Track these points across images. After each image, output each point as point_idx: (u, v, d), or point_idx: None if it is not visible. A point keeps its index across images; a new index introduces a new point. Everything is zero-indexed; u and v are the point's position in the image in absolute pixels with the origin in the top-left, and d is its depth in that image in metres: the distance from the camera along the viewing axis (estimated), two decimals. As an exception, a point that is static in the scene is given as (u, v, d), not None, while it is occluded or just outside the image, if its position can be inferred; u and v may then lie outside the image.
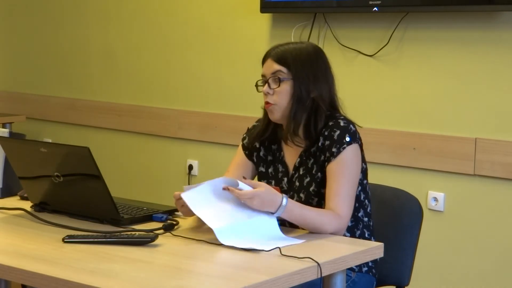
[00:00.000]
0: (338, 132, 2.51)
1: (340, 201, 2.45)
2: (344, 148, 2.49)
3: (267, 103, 2.56)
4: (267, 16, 4.13)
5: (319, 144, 2.53)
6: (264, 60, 2.60)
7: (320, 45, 3.89)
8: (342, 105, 2.64)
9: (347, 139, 2.50)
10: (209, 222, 2.30)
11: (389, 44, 3.73)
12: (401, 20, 3.68)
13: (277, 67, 2.54)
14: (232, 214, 2.34)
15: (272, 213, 2.36)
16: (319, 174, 2.54)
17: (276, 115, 2.57)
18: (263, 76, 2.60)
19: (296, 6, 3.97)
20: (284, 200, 2.36)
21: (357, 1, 3.75)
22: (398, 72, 3.74)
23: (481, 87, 3.51)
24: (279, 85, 2.54)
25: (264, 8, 4.03)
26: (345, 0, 3.84)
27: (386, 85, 3.78)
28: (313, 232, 2.40)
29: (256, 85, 2.62)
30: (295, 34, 3.99)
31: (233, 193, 2.33)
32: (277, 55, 2.56)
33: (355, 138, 2.52)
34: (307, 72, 2.55)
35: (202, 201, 2.37)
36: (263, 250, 2.18)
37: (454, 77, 3.57)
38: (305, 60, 2.56)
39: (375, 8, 3.67)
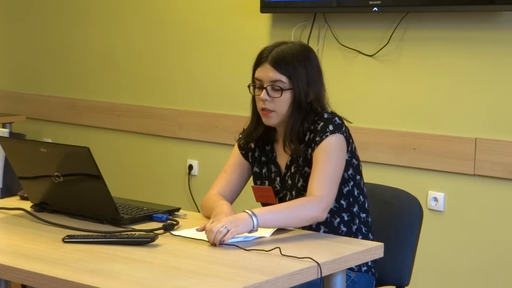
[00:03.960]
0: (321, 123, 2.52)
1: (318, 183, 2.44)
2: (326, 135, 2.50)
3: (264, 109, 2.56)
4: (267, 16, 4.13)
5: (306, 139, 2.55)
6: (259, 64, 2.58)
7: (320, 45, 3.90)
8: (328, 100, 2.63)
9: (330, 128, 2.50)
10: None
11: (389, 44, 3.73)
12: (401, 20, 3.68)
13: (277, 76, 2.53)
14: None
15: (252, 230, 2.32)
16: (306, 168, 2.55)
17: (274, 121, 2.58)
18: (258, 80, 2.58)
19: (296, 6, 3.97)
20: (249, 211, 2.33)
21: (357, 1, 3.75)
22: (398, 72, 3.74)
23: (481, 87, 3.50)
24: (281, 95, 2.53)
25: (264, 8, 4.03)
26: (345, 0, 3.84)
27: (386, 85, 3.77)
28: (301, 227, 2.40)
29: (249, 87, 2.62)
30: (295, 34, 3.99)
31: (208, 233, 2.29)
32: (275, 61, 2.54)
33: (339, 129, 2.52)
34: (305, 77, 2.55)
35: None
36: (263, 250, 2.19)
37: (454, 77, 3.57)
38: (302, 65, 2.55)
39: (375, 8, 3.66)
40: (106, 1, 4.86)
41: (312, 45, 3.92)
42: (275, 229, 2.38)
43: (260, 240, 2.31)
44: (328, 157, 2.48)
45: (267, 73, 2.55)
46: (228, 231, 2.25)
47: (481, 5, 3.43)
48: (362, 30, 3.84)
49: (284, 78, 2.53)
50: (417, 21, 3.65)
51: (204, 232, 2.34)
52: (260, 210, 2.36)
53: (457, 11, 3.53)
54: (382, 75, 3.78)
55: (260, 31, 4.18)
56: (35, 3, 5.25)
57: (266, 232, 2.35)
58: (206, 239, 2.29)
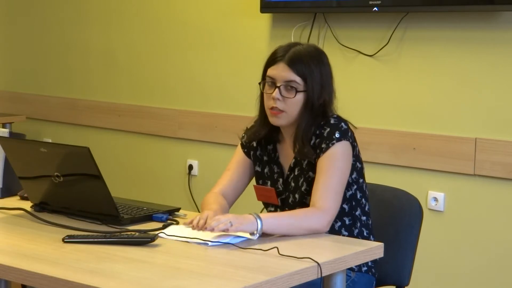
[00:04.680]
0: (328, 129, 2.50)
1: (324, 194, 2.43)
2: (333, 143, 2.48)
3: (274, 108, 2.52)
4: (267, 16, 4.13)
5: (311, 143, 2.53)
6: (273, 62, 2.54)
7: (320, 45, 3.90)
8: (337, 105, 2.62)
9: (337, 135, 2.49)
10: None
11: (389, 44, 3.73)
12: (401, 20, 3.68)
13: (292, 76, 2.50)
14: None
15: (255, 232, 2.32)
16: (310, 173, 2.53)
17: (283, 122, 2.55)
18: (271, 77, 2.54)
19: (296, 6, 3.97)
20: (254, 214, 2.34)
21: (357, 1, 3.75)
22: (398, 72, 3.74)
23: (481, 87, 3.51)
24: (294, 96, 2.51)
25: (264, 8, 4.03)
26: (345, 0, 3.84)
27: (386, 85, 3.77)
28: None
29: (259, 84, 2.59)
30: (295, 34, 3.99)
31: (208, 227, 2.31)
32: (291, 60, 2.51)
33: (346, 135, 2.50)
34: (319, 80, 2.52)
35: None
36: (261, 250, 2.18)
37: (454, 77, 3.57)
38: (317, 67, 2.53)
39: (375, 8, 3.67)
40: (106, 1, 4.86)
41: (312, 45, 3.93)
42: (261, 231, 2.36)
43: (259, 240, 2.30)
44: (333, 165, 2.47)
45: (282, 72, 2.52)
46: (231, 225, 2.26)
47: (481, 5, 3.43)
48: (362, 30, 3.84)
49: (298, 79, 2.51)
50: (417, 21, 3.65)
51: (197, 231, 2.34)
52: (265, 215, 2.35)
53: (457, 11, 3.53)
54: (382, 75, 3.78)
55: (260, 31, 4.18)
56: (35, 3, 5.25)
57: (254, 235, 2.34)
58: (198, 240, 2.28)
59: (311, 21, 3.95)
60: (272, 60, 2.56)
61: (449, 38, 3.58)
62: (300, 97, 2.51)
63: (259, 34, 4.18)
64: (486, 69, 3.48)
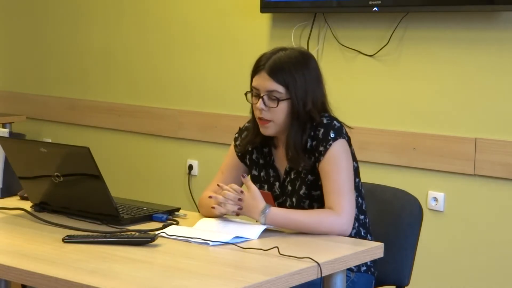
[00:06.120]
0: (322, 130, 2.49)
1: (337, 198, 2.42)
2: (330, 144, 2.47)
3: (261, 119, 2.52)
4: (267, 16, 4.13)
5: (307, 146, 2.52)
6: (256, 71, 2.53)
7: (320, 45, 3.90)
8: (329, 104, 2.60)
9: (332, 135, 2.48)
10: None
11: (389, 44, 3.73)
12: (401, 20, 3.68)
13: (274, 85, 2.48)
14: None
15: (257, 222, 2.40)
16: (309, 176, 2.52)
17: (271, 131, 2.54)
18: (255, 88, 2.54)
19: (296, 6, 3.97)
20: (266, 207, 2.37)
21: (357, 1, 3.75)
22: (398, 72, 3.74)
23: (481, 87, 3.51)
24: (277, 105, 2.49)
25: (264, 8, 4.03)
26: (345, 0, 3.84)
27: (386, 85, 3.78)
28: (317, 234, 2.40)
29: (246, 94, 2.58)
30: (295, 34, 3.99)
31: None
32: (272, 70, 2.48)
33: (341, 133, 2.50)
34: (304, 86, 2.50)
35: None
36: (261, 249, 2.18)
37: (454, 77, 3.57)
38: (300, 73, 2.50)
39: (375, 8, 3.67)
40: (106, 1, 4.87)
41: (312, 45, 3.92)
42: (261, 231, 2.36)
43: (259, 240, 2.30)
44: (337, 167, 2.46)
45: (264, 82, 2.50)
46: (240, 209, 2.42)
47: (481, 5, 3.43)
48: (362, 30, 3.84)
49: (280, 88, 2.48)
50: (417, 21, 3.65)
51: (197, 231, 2.35)
52: (277, 211, 2.42)
53: (457, 11, 3.53)
54: (382, 75, 3.78)
55: (260, 31, 4.18)
56: (35, 3, 5.25)
57: (253, 235, 2.34)
58: (199, 240, 2.28)
59: (311, 21, 3.95)
60: (255, 69, 2.55)
61: (449, 38, 3.58)
62: (283, 105, 2.49)
63: (259, 34, 4.17)
64: (486, 69, 3.48)
